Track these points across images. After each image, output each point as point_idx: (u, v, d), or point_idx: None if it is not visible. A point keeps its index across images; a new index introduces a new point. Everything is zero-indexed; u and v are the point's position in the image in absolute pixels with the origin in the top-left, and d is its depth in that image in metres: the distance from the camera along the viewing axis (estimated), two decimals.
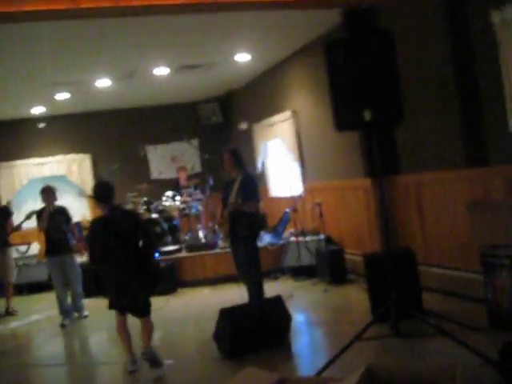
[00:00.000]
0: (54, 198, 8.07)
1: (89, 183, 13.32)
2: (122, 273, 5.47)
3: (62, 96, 11.14)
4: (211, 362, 5.52)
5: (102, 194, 5.83)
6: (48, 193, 8.02)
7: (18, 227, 9.07)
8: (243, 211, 6.66)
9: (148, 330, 5.61)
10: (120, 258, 5.46)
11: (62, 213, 8.16)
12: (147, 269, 5.63)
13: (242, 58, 9.76)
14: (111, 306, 5.69)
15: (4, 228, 9.01)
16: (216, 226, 10.53)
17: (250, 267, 6.75)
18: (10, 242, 9.24)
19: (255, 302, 6.43)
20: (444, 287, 6.70)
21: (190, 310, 7.95)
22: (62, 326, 7.77)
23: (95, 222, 5.95)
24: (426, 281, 6.55)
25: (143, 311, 5.60)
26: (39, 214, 8.04)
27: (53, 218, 7.96)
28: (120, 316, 5.69)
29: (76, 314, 8.12)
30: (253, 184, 6.91)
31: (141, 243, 5.65)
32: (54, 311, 8.08)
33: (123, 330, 5.69)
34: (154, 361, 5.46)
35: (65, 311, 7.91)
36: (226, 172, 7.08)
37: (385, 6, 7.31)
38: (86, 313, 8.18)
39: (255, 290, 6.72)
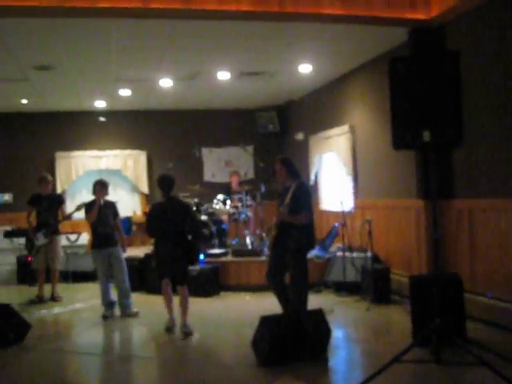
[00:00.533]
0: (106, 193, 8.16)
1: (143, 179, 13.56)
2: (171, 248, 6.95)
3: (125, 92, 11.37)
4: (247, 368, 5.51)
5: (163, 184, 7.19)
6: (101, 186, 8.12)
7: (68, 217, 9.30)
8: (293, 223, 6.54)
9: (185, 300, 7.02)
10: (170, 237, 6.97)
11: (111, 207, 8.25)
12: (190, 248, 7.11)
13: (304, 68, 9.79)
14: (160, 276, 7.16)
15: (55, 216, 9.21)
16: (263, 233, 10.60)
17: (298, 280, 6.67)
18: (60, 230, 9.43)
19: (295, 313, 6.39)
20: (489, 317, 6.54)
21: (231, 315, 7.96)
22: (104, 317, 7.85)
23: (155, 206, 7.50)
24: (471, 309, 6.42)
25: (183, 278, 7.07)
26: (89, 206, 8.12)
27: (102, 212, 8.04)
28: (166, 281, 7.14)
29: (120, 312, 8.01)
30: (306, 194, 6.71)
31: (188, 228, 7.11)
32: (97, 301, 8.20)
33: (167, 292, 7.18)
34: (187, 334, 6.82)
35: (107, 303, 7.99)
36: (278, 183, 6.95)
37: (453, 26, 7.24)
38: (135, 309, 8.04)
39: (299, 303, 6.64)
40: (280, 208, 6.64)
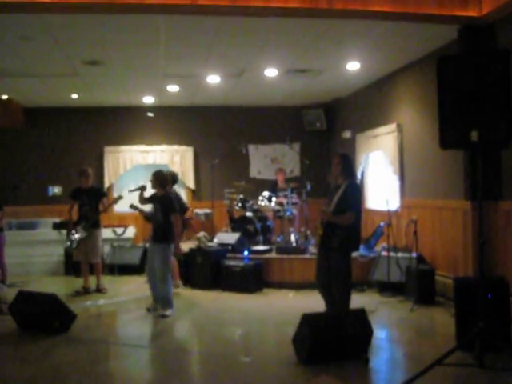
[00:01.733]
0: (154, 186, 8.04)
1: (189, 175, 13.68)
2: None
3: (172, 88, 11.47)
4: (287, 365, 5.51)
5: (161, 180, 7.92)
6: (151, 179, 8.08)
7: (106, 209, 9.38)
8: (338, 223, 6.52)
9: None
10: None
11: (162, 202, 7.96)
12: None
13: (352, 66, 9.72)
14: None
15: (95, 209, 9.23)
16: (309, 232, 10.57)
17: (341, 279, 6.64)
18: (101, 223, 9.43)
19: (337, 312, 6.35)
20: None
21: (273, 311, 7.97)
22: (148, 309, 7.88)
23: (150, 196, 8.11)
24: None
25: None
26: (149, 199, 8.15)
27: (153, 206, 8.02)
28: None
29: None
30: (355, 194, 6.67)
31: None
32: (142, 294, 8.29)
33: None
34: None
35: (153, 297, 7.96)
36: (333, 177, 6.92)
37: (504, 24, 7.10)
38: (166, 312, 7.64)
39: (342, 303, 6.61)
40: (323, 207, 6.61)
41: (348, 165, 6.80)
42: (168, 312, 7.65)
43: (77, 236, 9.08)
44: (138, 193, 8.28)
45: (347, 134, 12.64)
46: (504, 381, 4.87)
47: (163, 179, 8.03)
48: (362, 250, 9.36)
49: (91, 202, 9.21)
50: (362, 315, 5.79)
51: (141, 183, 8.59)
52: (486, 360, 4.88)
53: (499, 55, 4.97)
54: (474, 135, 4.85)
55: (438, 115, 5.10)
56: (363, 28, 7.65)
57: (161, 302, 7.75)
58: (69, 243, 9.23)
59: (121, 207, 13.12)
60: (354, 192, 6.68)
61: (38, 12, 6.66)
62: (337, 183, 6.79)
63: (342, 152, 7.12)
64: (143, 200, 8.24)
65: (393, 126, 10.20)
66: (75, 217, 9.31)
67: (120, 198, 8.66)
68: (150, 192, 8.28)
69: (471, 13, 7.15)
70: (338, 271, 6.60)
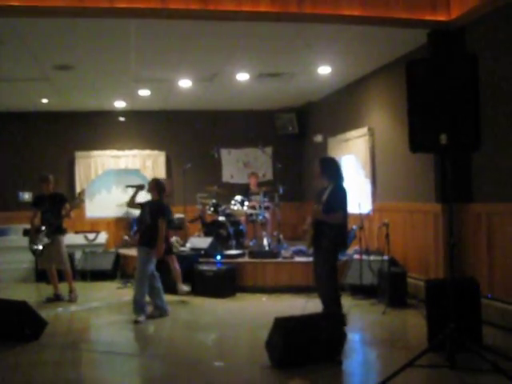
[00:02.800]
0: (149, 191, 8.23)
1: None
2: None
3: (144, 92, 11.43)
4: (260, 369, 5.50)
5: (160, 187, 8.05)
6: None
7: (68, 214, 9.00)
8: (326, 221, 6.60)
9: None
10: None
11: (150, 207, 8.08)
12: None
13: (323, 70, 9.78)
14: None
15: (57, 216, 8.92)
16: (281, 235, 10.58)
17: (328, 279, 6.71)
18: (63, 229, 9.17)
19: (317, 314, 6.37)
20: (506, 323, 6.47)
21: (246, 316, 7.96)
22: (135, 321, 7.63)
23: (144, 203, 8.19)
24: (488, 314, 6.36)
25: None
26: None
27: (142, 210, 8.09)
28: None
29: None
30: (340, 195, 6.78)
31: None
32: (114, 300, 8.22)
33: None
34: None
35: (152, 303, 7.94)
36: (317, 181, 7.09)
37: (473, 29, 7.20)
38: (139, 318, 7.56)
39: (330, 303, 6.68)
40: (313, 206, 6.68)
41: (328, 168, 6.91)
42: (141, 318, 7.57)
43: (40, 243, 8.88)
44: (129, 193, 8.36)
45: (319, 138, 12.69)
46: (475, 381, 4.90)
47: (162, 187, 8.18)
48: None
49: (53, 208, 8.94)
50: (335, 318, 5.82)
51: (134, 183, 8.64)
52: (458, 361, 4.91)
53: (468, 59, 5.03)
54: (443, 138, 4.89)
55: (407, 119, 5.14)
56: (334, 32, 7.70)
57: (133, 305, 7.69)
58: (31, 251, 9.06)
59: (92, 213, 13.08)
60: (340, 192, 6.78)
61: (7, 16, 6.60)
62: (323, 186, 6.89)
63: (323, 156, 7.27)
64: (133, 203, 8.24)
65: (364, 130, 10.27)
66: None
67: (82, 193, 8.52)
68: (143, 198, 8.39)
69: (440, 17, 7.25)
70: (324, 270, 6.68)
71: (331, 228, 6.58)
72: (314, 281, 6.96)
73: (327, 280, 6.68)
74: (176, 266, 8.83)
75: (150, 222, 7.86)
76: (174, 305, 8.50)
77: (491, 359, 4.90)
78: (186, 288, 8.93)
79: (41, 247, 8.87)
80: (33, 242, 8.97)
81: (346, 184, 6.91)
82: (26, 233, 11.07)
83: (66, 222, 9.20)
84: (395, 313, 7.69)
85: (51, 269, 9.15)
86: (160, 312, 7.87)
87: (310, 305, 7.20)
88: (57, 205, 9.03)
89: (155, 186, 8.13)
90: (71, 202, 9.32)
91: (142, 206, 8.16)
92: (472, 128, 4.89)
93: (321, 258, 6.72)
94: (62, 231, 9.15)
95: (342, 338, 5.70)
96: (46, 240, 8.87)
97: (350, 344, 6.21)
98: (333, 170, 6.92)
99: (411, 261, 8.72)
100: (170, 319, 7.79)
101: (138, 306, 7.66)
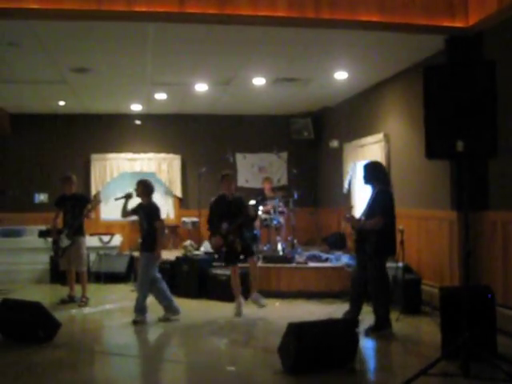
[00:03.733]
0: (140, 194, 8.00)
1: (177, 183, 13.66)
2: None
3: (160, 96, 11.46)
4: (272, 374, 5.47)
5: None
6: (137, 187, 8.03)
7: (87, 214, 9.06)
8: (367, 228, 6.73)
9: None
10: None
11: (146, 210, 7.99)
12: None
13: (339, 75, 9.75)
14: None
15: (78, 216, 8.94)
16: (295, 240, 10.55)
17: (377, 285, 6.82)
18: (85, 231, 9.23)
19: (331, 320, 6.38)
20: None
21: (259, 320, 7.94)
22: (159, 319, 7.78)
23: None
24: (503, 323, 6.30)
25: None
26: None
27: (138, 215, 7.98)
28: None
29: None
30: (383, 199, 6.86)
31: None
32: (127, 303, 8.23)
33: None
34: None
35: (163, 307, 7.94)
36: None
37: (490, 35, 7.15)
38: (137, 318, 7.67)
39: (382, 307, 6.76)
40: (347, 215, 7.17)
41: (373, 172, 7.04)
42: (138, 318, 7.66)
43: (61, 245, 8.96)
44: (122, 202, 8.13)
45: (334, 144, 12.65)
46: None
47: (149, 187, 8.01)
48: (348, 260, 9.39)
49: (74, 209, 8.98)
50: (349, 325, 5.80)
51: (127, 191, 8.42)
52: (471, 370, 4.88)
53: (486, 66, 5.01)
54: (460, 145, 4.87)
55: (423, 125, 5.12)
56: (351, 38, 7.68)
57: (134, 306, 7.76)
58: (54, 252, 9.13)
59: (107, 215, 13.11)
60: (384, 197, 6.88)
61: (26, 18, 6.65)
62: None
63: (368, 161, 7.37)
64: (126, 212, 8.13)
65: (380, 136, 10.23)
66: (60, 225, 9.20)
67: (98, 194, 8.50)
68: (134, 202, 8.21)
69: (458, 23, 7.22)
70: (374, 277, 6.82)
71: (374, 233, 6.67)
72: (351, 285, 7.20)
73: (378, 286, 6.83)
74: (256, 271, 8.51)
75: (147, 227, 7.83)
76: (190, 308, 8.50)
77: (505, 369, 4.86)
78: (263, 302, 8.31)
79: (63, 248, 8.95)
80: (55, 242, 9.04)
81: (390, 188, 7.00)
82: (41, 234, 11.16)
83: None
84: (409, 320, 7.64)
85: (70, 270, 9.19)
86: (172, 313, 7.86)
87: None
88: (78, 206, 9.05)
89: (142, 187, 7.96)
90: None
91: (135, 211, 8.05)
92: (489, 135, 4.86)
93: (370, 265, 6.84)
94: (83, 232, 9.16)
95: (355, 345, 5.68)
96: (66, 241, 8.93)
97: (363, 351, 6.18)
98: (376, 175, 6.99)
99: (426, 268, 8.67)
100: (182, 323, 7.78)
101: (137, 307, 7.72)
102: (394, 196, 7.09)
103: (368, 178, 7.03)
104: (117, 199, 8.39)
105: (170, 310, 7.87)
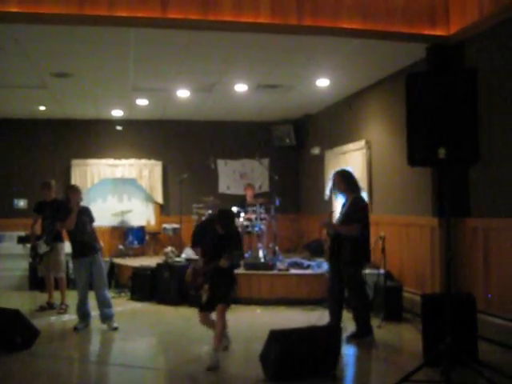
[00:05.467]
0: (80, 198, 7.84)
1: (158, 189, 13.59)
2: None
3: (142, 102, 11.41)
4: (254, 382, 5.44)
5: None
6: (74, 191, 7.84)
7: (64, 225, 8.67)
8: (344, 234, 6.70)
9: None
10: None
11: (87, 213, 7.95)
12: None
13: (321, 83, 9.78)
14: None
15: (54, 223, 8.79)
16: (276, 247, 10.53)
17: (358, 291, 6.79)
18: (63, 236, 9.08)
19: (313, 327, 6.34)
20: (503, 339, 6.43)
21: (241, 328, 7.87)
22: (76, 329, 7.64)
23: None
24: (484, 330, 6.32)
25: None
26: (63, 212, 7.85)
27: (79, 219, 7.73)
28: None
29: (104, 324, 7.77)
30: (357, 206, 6.85)
31: None
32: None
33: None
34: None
35: (84, 314, 7.81)
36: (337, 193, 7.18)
37: (471, 43, 7.22)
38: (115, 324, 7.68)
39: (362, 314, 6.75)
40: (325, 220, 6.96)
41: (349, 180, 7.05)
42: (116, 324, 7.67)
43: (39, 251, 8.87)
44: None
45: (316, 151, 12.68)
46: None
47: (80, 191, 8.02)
48: (328, 266, 9.37)
49: (53, 215, 8.81)
50: (332, 331, 5.78)
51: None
52: (453, 376, 4.87)
53: (467, 73, 5.03)
54: (442, 152, 4.88)
55: (405, 132, 5.13)
56: (333, 45, 7.70)
57: (110, 309, 7.75)
58: (32, 258, 9.04)
59: None
60: (360, 205, 6.91)
61: (6, 22, 6.58)
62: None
63: (340, 169, 7.37)
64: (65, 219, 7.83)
65: (361, 143, 10.26)
66: (39, 231, 9.10)
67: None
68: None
69: (439, 32, 7.28)
70: (353, 285, 6.81)
71: (350, 240, 6.65)
72: (328, 293, 7.14)
73: (359, 292, 6.81)
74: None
75: (90, 229, 7.93)
76: (171, 316, 8.44)
77: (487, 375, 4.87)
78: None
79: (41, 254, 8.87)
80: (33, 248, 8.97)
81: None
82: (20, 240, 11.05)
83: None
84: (391, 327, 7.65)
85: (49, 277, 9.11)
86: (109, 322, 7.76)
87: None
88: (57, 212, 8.80)
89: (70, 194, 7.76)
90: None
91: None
92: (471, 142, 4.87)
93: (346, 272, 6.78)
94: (62, 238, 9.10)
95: (337, 352, 5.66)
96: (44, 247, 8.85)
97: (345, 358, 6.17)
98: (349, 183, 6.98)
99: (407, 275, 8.69)
100: (163, 330, 7.72)
101: (111, 310, 7.80)
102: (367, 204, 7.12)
103: (348, 185, 7.00)
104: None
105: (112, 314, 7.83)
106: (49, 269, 9.03)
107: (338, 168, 10.94)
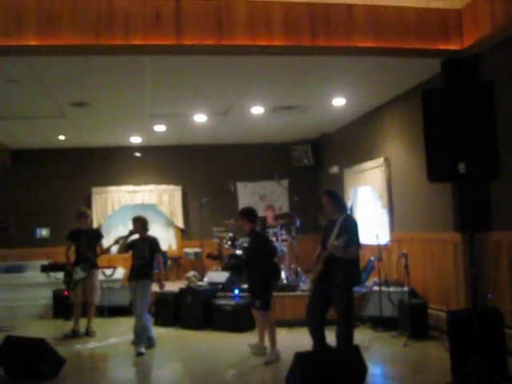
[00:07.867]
0: (141, 228, 8.32)
1: (178, 214, 13.64)
2: None
3: (159, 128, 11.50)
4: None
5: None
6: (138, 223, 8.35)
7: (107, 250, 9.42)
8: (342, 257, 6.32)
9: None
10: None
11: (148, 242, 8.29)
12: None
13: (338, 102, 9.79)
14: None
15: (94, 250, 9.29)
16: (298, 268, 10.48)
17: (346, 315, 6.49)
18: (98, 264, 9.50)
19: (331, 350, 6.26)
20: None
21: (266, 350, 7.85)
22: (140, 354, 7.73)
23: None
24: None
25: None
26: (128, 243, 8.38)
27: (138, 246, 8.21)
28: None
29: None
30: (354, 227, 6.52)
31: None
32: (131, 336, 8.14)
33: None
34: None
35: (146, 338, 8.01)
36: (326, 215, 6.83)
37: (486, 56, 7.20)
38: (142, 349, 7.76)
39: (348, 336, 6.50)
40: (334, 242, 6.31)
41: (337, 199, 6.73)
42: (143, 349, 7.74)
43: (76, 277, 9.08)
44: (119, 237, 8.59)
45: (335, 169, 12.67)
46: None
47: (146, 222, 8.38)
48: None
49: (90, 243, 9.26)
50: (355, 352, 5.72)
51: (129, 223, 8.57)
52: None
53: (483, 87, 5.02)
54: (462, 167, 4.86)
55: (424, 148, 5.11)
56: (348, 64, 7.72)
57: (136, 337, 7.86)
58: (65, 284, 9.19)
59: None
60: (352, 225, 6.54)
61: (23, 55, 6.69)
62: (331, 219, 6.64)
63: (327, 189, 7.09)
64: (125, 247, 8.39)
65: (380, 161, 10.24)
66: (72, 258, 9.29)
67: (120, 238, 8.62)
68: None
69: (453, 46, 7.26)
70: (343, 308, 6.40)
71: (346, 264, 6.34)
72: (307, 315, 6.71)
73: (347, 317, 6.40)
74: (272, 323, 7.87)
75: (149, 257, 8.16)
76: (195, 340, 8.42)
77: None
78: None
79: (76, 279, 9.11)
80: (68, 274, 9.20)
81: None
82: (43, 269, 11.11)
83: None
84: (417, 345, 7.56)
85: (80, 303, 9.26)
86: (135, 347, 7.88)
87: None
88: (93, 240, 9.37)
89: (141, 223, 8.33)
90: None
91: (131, 246, 8.33)
92: (490, 156, 4.85)
93: (337, 295, 6.38)
94: (97, 265, 9.48)
95: (364, 372, 5.61)
96: (81, 273, 9.10)
97: (372, 378, 6.10)
98: (342, 202, 6.82)
99: (431, 291, 8.60)
100: (190, 355, 7.69)
101: (139, 336, 7.89)
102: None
103: (337, 205, 6.65)
104: (109, 248, 9.16)
105: (140, 340, 7.90)
106: (84, 295, 9.19)
107: (366, 185, 10.96)
